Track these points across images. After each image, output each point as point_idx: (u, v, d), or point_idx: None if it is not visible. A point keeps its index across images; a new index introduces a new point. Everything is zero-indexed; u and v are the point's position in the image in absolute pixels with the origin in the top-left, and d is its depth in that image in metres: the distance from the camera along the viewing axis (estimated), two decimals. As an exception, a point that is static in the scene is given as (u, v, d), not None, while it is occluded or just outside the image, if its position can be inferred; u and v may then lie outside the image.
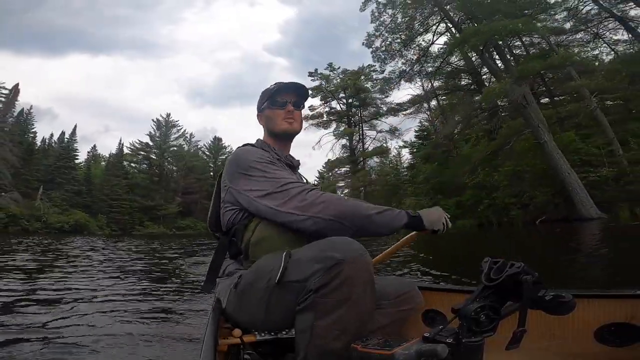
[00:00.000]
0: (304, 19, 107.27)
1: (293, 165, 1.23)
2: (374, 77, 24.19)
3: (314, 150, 32.16)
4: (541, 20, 18.27)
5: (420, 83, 23.42)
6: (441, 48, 20.66)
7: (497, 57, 19.60)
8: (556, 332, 1.00)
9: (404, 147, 31.44)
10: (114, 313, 2.54)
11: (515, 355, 0.69)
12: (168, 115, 50.07)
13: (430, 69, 21.96)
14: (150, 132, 48.57)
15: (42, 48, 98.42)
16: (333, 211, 0.94)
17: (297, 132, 1.23)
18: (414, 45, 21.63)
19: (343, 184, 34.62)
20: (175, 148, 49.60)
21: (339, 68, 33.20)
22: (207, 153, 53.29)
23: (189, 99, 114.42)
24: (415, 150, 28.48)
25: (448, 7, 19.46)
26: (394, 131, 30.85)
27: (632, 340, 0.91)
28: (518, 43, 20.41)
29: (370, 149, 32.42)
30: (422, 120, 28.21)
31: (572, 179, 14.47)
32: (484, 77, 21.12)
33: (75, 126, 45.81)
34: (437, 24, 20.67)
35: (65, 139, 43.51)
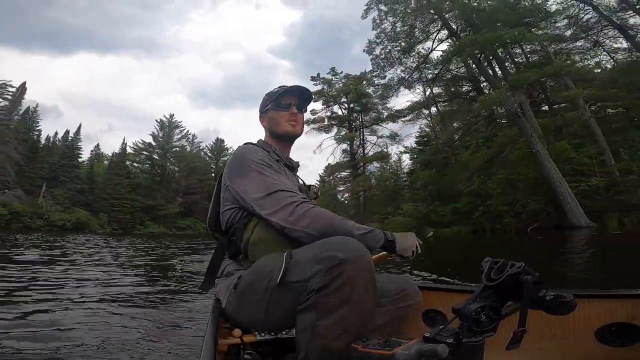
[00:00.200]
0: (308, 22, 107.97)
1: (292, 166, 1.24)
2: (376, 82, 24.21)
3: (315, 154, 32.18)
4: (542, 27, 18.39)
5: (420, 89, 23.43)
6: (441, 55, 20.74)
7: (497, 65, 19.70)
8: (557, 332, 0.99)
9: (405, 152, 31.46)
10: (114, 313, 2.53)
11: (516, 355, 0.69)
12: (171, 115, 50.28)
13: (430, 75, 22.02)
14: (153, 133, 48.77)
15: (50, 46, 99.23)
16: (320, 227, 0.95)
17: (299, 135, 1.24)
18: (413, 53, 21.72)
19: (343, 189, 34.64)
20: (177, 149, 49.69)
21: (341, 72, 33.33)
22: (209, 154, 53.36)
23: (193, 99, 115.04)
24: (415, 156, 28.52)
25: (449, 15, 19.55)
26: (394, 137, 30.89)
27: (633, 340, 0.90)
28: (519, 50, 20.49)
29: (370, 154, 32.44)
30: (422, 126, 28.28)
31: (563, 188, 14.67)
32: (484, 84, 21.18)
33: (80, 125, 45.91)
34: (437, 32, 20.77)
35: (70, 138, 43.64)
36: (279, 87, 1.23)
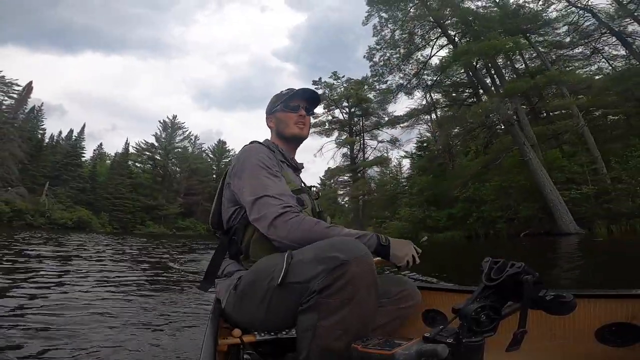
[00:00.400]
0: (313, 25, 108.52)
1: (297, 168, 1.24)
2: (377, 87, 24.26)
3: (315, 157, 32.16)
4: (542, 34, 18.49)
5: (420, 95, 23.46)
6: (439, 62, 20.80)
7: (495, 72, 19.76)
8: (557, 332, 0.99)
9: (405, 157, 31.47)
10: (113, 312, 2.51)
11: (516, 355, 0.68)
12: (174, 117, 50.46)
13: (429, 82, 22.08)
14: (156, 133, 48.95)
15: (57, 45, 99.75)
16: (298, 237, 0.93)
17: (305, 137, 1.25)
18: (412, 61, 21.80)
19: (343, 192, 34.59)
20: (179, 150, 49.80)
21: (343, 77, 33.42)
22: (211, 156, 53.46)
23: (196, 100, 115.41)
24: (415, 161, 28.56)
25: (448, 21, 19.64)
26: (394, 141, 30.90)
27: (633, 340, 0.90)
28: (519, 57, 20.56)
29: (370, 158, 32.44)
30: (422, 131, 28.31)
31: (553, 196, 14.82)
32: (482, 91, 21.27)
33: (84, 125, 46.06)
34: (436, 39, 20.85)
35: (74, 137, 43.74)
36: (288, 89, 1.24)
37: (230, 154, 51.85)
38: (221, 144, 53.92)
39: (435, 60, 21.18)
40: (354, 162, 32.87)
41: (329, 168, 33.33)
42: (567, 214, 14.39)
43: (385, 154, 32.35)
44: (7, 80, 36.71)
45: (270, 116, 1.26)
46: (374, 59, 22.36)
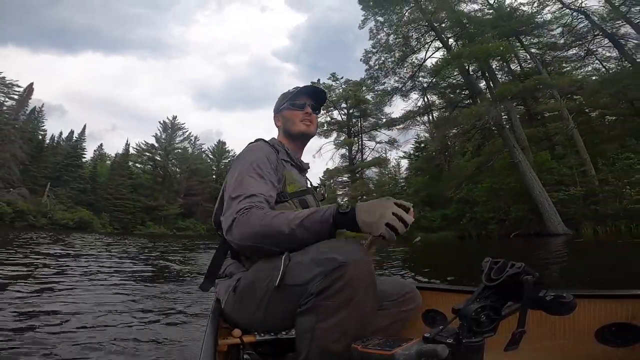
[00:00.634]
0: (312, 25, 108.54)
1: (302, 167, 1.22)
2: (375, 88, 24.28)
3: (314, 158, 32.22)
4: (537, 35, 18.56)
5: (416, 96, 23.45)
6: (433, 65, 20.82)
7: (489, 75, 19.80)
8: (557, 332, 0.98)
9: (404, 157, 31.53)
10: (114, 313, 2.50)
11: (516, 355, 0.68)
12: (174, 117, 50.40)
13: (425, 84, 22.09)
14: (156, 134, 48.85)
15: (57, 45, 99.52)
16: (248, 236, 0.88)
17: (312, 135, 1.24)
18: (407, 64, 21.83)
19: (342, 193, 34.64)
20: (179, 150, 49.69)
21: (341, 78, 33.55)
22: (211, 156, 53.37)
23: (196, 100, 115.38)
24: (412, 162, 28.62)
25: (443, 25, 19.67)
26: (392, 142, 30.97)
27: (633, 341, 0.89)
28: (515, 59, 20.61)
29: (369, 159, 32.50)
30: (420, 132, 28.36)
31: (542, 197, 14.97)
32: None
33: (85, 126, 46.11)
34: (431, 42, 20.89)
35: (74, 138, 43.65)
36: (295, 87, 1.23)
37: (230, 154, 51.78)
38: (221, 144, 53.86)
39: (430, 62, 21.27)
40: (352, 163, 32.94)
41: (327, 169, 33.37)
42: (555, 215, 14.55)
43: (384, 155, 32.46)
44: (7, 82, 36.65)
45: (277, 115, 1.25)
46: (370, 62, 22.40)
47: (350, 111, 33.39)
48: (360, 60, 22.89)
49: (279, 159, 1.11)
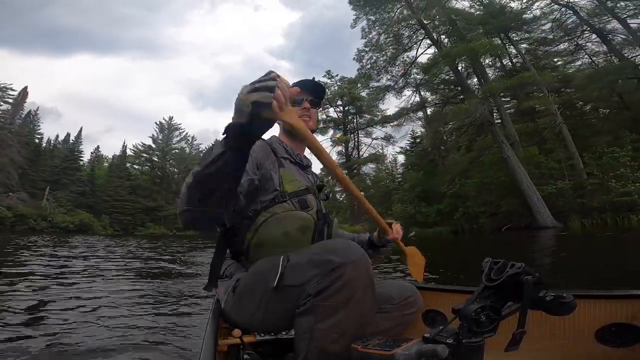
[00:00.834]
0: (307, 22, 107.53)
1: (302, 164, 1.17)
2: (370, 85, 24.21)
3: (313, 155, 32.20)
4: (528, 31, 18.59)
5: (409, 93, 23.42)
6: (424, 64, 20.77)
7: (479, 72, 19.79)
8: (557, 332, 0.97)
9: (400, 153, 31.56)
10: (114, 313, 2.50)
11: (516, 355, 0.67)
12: (170, 118, 50.01)
13: (418, 80, 22.06)
14: (153, 135, 48.42)
15: (49, 47, 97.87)
16: (183, 198, 0.80)
17: (312, 131, 1.17)
18: (398, 63, 21.78)
19: (339, 189, 34.66)
20: (177, 150, 49.39)
21: (336, 75, 33.41)
22: (209, 156, 53.13)
23: (192, 100, 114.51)
24: (409, 157, 28.65)
25: (431, 23, 19.63)
26: (388, 138, 31.02)
27: (633, 341, 0.89)
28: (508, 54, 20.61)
29: (365, 155, 32.52)
30: (415, 128, 28.37)
31: (531, 191, 15.14)
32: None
33: (81, 129, 45.73)
34: (421, 40, 20.86)
35: (71, 141, 43.30)
36: (293, 83, 1.18)
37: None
38: (218, 144, 53.59)
39: (423, 59, 21.26)
40: (348, 160, 32.93)
41: (324, 166, 33.36)
42: (544, 209, 14.71)
43: (380, 151, 32.50)
44: (1, 85, 36.25)
45: None
46: (363, 61, 22.34)
47: (346, 108, 33.33)
48: (353, 59, 22.86)
49: (276, 157, 1.08)
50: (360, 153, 33.06)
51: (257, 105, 0.63)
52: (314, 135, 0.97)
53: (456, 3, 19.51)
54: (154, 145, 47.80)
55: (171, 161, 48.53)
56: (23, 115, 39.40)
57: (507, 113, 19.36)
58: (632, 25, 15.71)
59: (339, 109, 33.67)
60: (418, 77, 21.85)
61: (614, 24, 16.47)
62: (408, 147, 28.83)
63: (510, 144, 16.85)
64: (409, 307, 1.07)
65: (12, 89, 36.96)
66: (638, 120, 15.99)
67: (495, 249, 7.77)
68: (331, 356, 0.77)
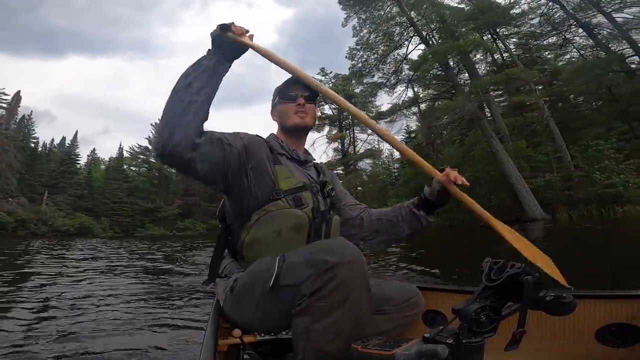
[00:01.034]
0: (300, 19, 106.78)
1: (300, 160, 1.13)
2: (364, 81, 24.10)
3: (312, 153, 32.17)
4: (517, 26, 18.64)
5: (402, 89, 23.34)
6: (414, 61, 20.71)
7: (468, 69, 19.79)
8: (557, 332, 0.96)
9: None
10: (114, 313, 2.49)
11: (516, 355, 0.66)
12: (167, 120, 49.63)
13: (410, 76, 22.02)
14: (149, 136, 47.91)
15: (40, 50, 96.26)
16: (160, 124, 0.88)
17: (310, 126, 1.15)
18: (389, 60, 21.71)
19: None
20: (174, 151, 49.09)
21: (330, 72, 33.23)
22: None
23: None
24: (403, 152, 28.61)
25: (420, 21, 19.59)
26: (383, 134, 30.92)
27: (633, 341, 0.88)
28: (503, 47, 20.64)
29: (361, 151, 32.50)
30: (409, 123, 28.41)
31: (520, 184, 15.25)
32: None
33: (77, 132, 45.36)
34: (411, 37, 20.81)
35: (67, 144, 42.86)
36: (286, 79, 1.15)
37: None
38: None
39: (414, 56, 21.22)
40: (345, 156, 32.91)
41: (321, 162, 33.28)
42: (533, 201, 14.81)
43: (376, 146, 32.46)
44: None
45: (273, 110, 1.17)
46: (355, 60, 22.27)
47: (341, 105, 33.21)
48: (345, 57, 22.77)
49: (272, 154, 1.05)
50: (357, 149, 33.04)
51: (220, 27, 0.93)
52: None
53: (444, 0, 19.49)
54: (150, 147, 47.45)
55: (169, 162, 48.21)
56: (17, 120, 38.88)
57: (498, 107, 19.48)
58: (617, 19, 15.80)
59: (334, 106, 33.56)
60: (410, 73, 21.80)
61: (600, 18, 16.53)
62: (404, 142, 28.84)
63: (500, 138, 16.92)
64: (411, 308, 1.05)
65: (4, 93, 36.49)
66: (626, 113, 16.14)
67: (491, 243, 7.84)
68: (328, 356, 0.76)
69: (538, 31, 18.90)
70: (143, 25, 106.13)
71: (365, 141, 32.70)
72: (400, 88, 22.77)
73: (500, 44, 19.94)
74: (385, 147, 37.09)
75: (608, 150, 13.76)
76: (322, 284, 0.76)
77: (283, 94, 1.12)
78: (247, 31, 0.97)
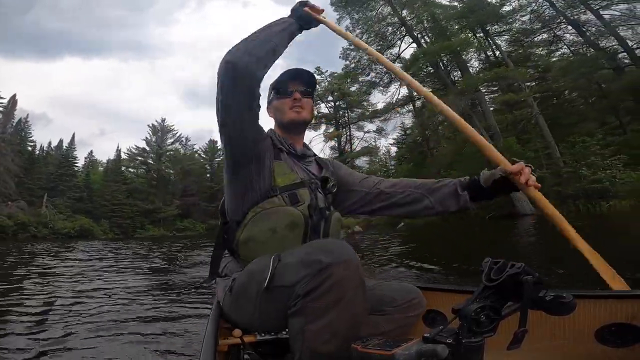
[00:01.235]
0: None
1: (298, 155, 1.10)
2: (360, 79, 24.07)
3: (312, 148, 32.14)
4: (509, 23, 18.72)
5: (396, 87, 23.36)
6: (406, 61, 20.72)
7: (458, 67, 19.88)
8: (557, 332, 0.95)
9: (393, 144, 31.63)
10: (115, 314, 2.49)
11: (516, 355, 0.65)
12: (163, 120, 49.08)
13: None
14: (146, 137, 47.57)
15: (33, 52, 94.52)
16: (232, 50, 0.94)
17: (307, 121, 1.12)
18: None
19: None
20: (171, 152, 48.69)
21: (326, 71, 33.13)
22: (204, 155, 52.46)
23: (184, 100, 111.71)
24: (400, 149, 28.76)
25: (411, 21, 19.61)
26: (380, 131, 31.04)
27: (633, 341, 0.87)
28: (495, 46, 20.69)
29: (358, 149, 32.51)
30: (405, 120, 28.44)
31: None
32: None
33: (74, 134, 44.84)
34: (404, 36, 20.82)
35: (64, 147, 42.42)
36: (280, 74, 1.13)
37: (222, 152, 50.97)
38: (212, 143, 52.83)
39: (406, 54, 21.26)
40: (342, 154, 32.91)
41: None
42: (523, 197, 14.92)
43: (373, 144, 32.51)
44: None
45: (269, 107, 1.14)
46: (348, 60, 22.28)
47: (337, 103, 33.15)
48: (339, 57, 22.76)
49: (273, 148, 1.04)
50: (353, 147, 33.04)
51: (299, 3, 1.11)
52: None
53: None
54: (148, 148, 47.09)
55: (166, 163, 47.89)
56: (14, 123, 38.42)
57: (489, 105, 19.57)
58: (605, 15, 15.89)
59: (330, 105, 33.49)
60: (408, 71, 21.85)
61: (589, 15, 16.62)
62: (399, 139, 28.94)
63: (491, 135, 17.02)
64: (413, 309, 1.03)
65: (1, 97, 36.01)
66: (617, 109, 16.29)
67: (489, 239, 7.94)
68: (324, 356, 0.74)
69: (528, 28, 18.97)
70: (138, 25, 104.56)
71: (361, 139, 32.75)
72: (393, 87, 22.79)
73: (490, 43, 20.04)
74: (382, 144, 37.24)
75: (594, 146, 13.93)
76: (316, 284, 0.74)
77: (278, 90, 1.10)
78: (323, 10, 1.14)
